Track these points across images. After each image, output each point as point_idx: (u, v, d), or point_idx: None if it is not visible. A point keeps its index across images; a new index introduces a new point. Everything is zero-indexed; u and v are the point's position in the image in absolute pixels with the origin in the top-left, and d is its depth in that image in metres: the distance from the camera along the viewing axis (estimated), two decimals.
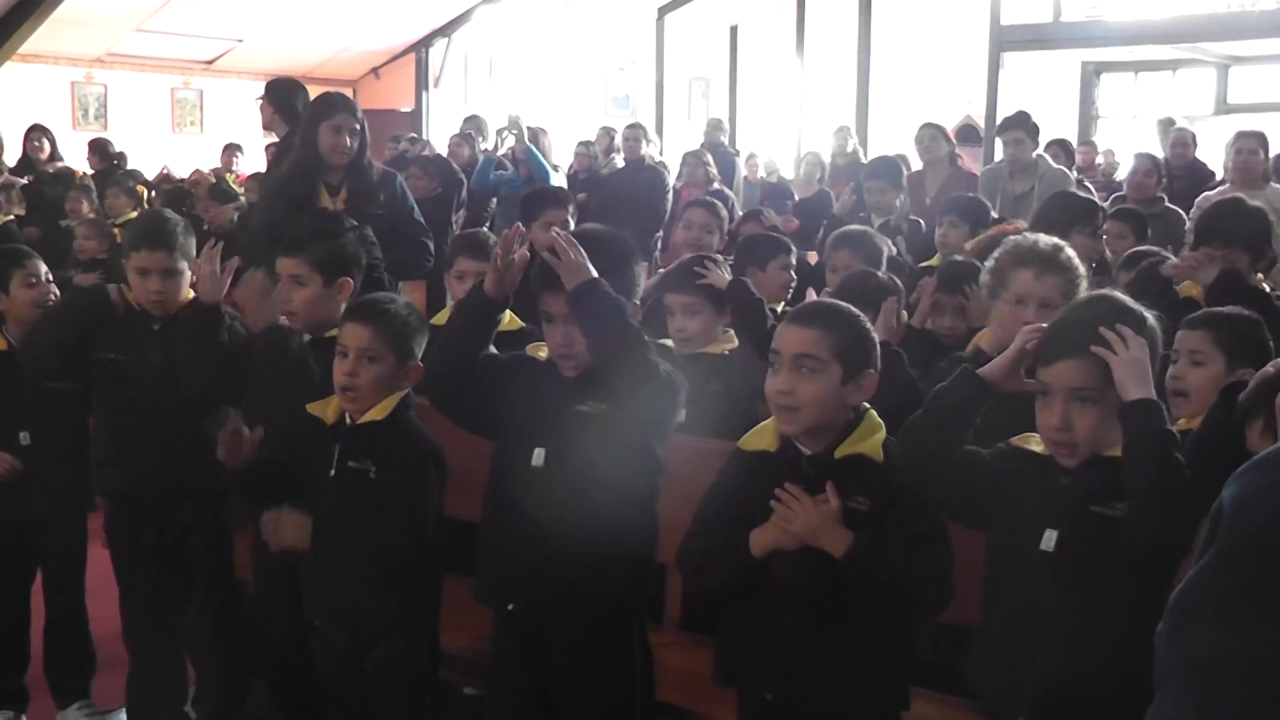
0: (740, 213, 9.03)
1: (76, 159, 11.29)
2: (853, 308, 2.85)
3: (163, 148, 14.43)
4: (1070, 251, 3.59)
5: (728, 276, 4.06)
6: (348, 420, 3.36)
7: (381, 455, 3.30)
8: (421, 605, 3.42)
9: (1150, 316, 2.64)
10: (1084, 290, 3.60)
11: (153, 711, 4.18)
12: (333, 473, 3.33)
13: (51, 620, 4.40)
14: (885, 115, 15.58)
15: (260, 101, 6.26)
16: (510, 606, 3.15)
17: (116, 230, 8.01)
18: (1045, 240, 3.61)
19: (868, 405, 2.80)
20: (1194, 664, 1.37)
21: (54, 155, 10.70)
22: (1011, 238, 3.78)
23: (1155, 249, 5.15)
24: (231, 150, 11.96)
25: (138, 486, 4.05)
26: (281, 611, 3.68)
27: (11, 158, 10.90)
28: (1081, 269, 3.62)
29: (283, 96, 6.19)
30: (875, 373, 2.77)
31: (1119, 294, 2.75)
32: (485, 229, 9.50)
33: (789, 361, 2.71)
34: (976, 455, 2.69)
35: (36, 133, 10.79)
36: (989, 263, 3.61)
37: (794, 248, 4.90)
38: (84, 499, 4.36)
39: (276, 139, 6.40)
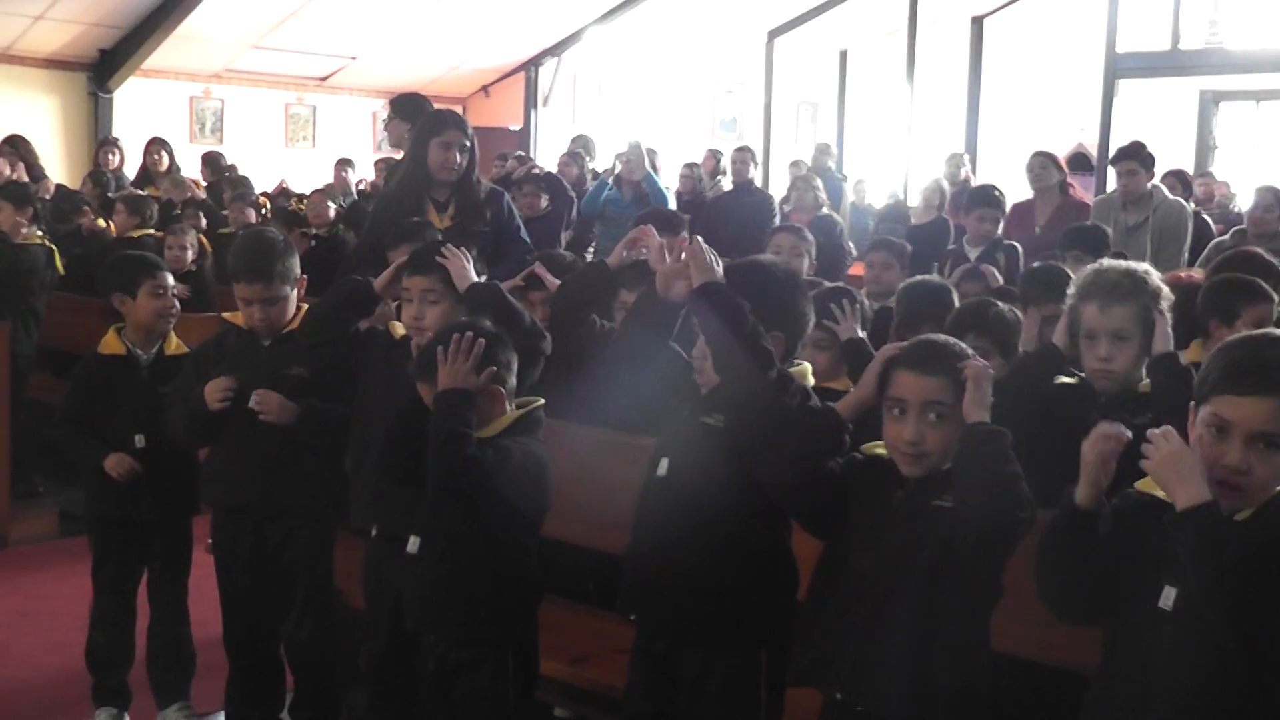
0: (850, 241, 8.96)
1: (193, 171, 11.59)
2: (965, 347, 2.77)
3: (276, 162, 14.73)
4: (1150, 274, 3.43)
5: (857, 328, 4.03)
6: None
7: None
8: (515, 620, 3.32)
9: None
10: (1166, 309, 3.45)
11: (249, 717, 4.21)
12: None
13: (155, 620, 4.46)
14: (996, 142, 15.37)
15: (390, 119, 6.26)
16: (631, 616, 3.12)
17: (204, 240, 8.09)
18: (1115, 267, 3.47)
19: None
20: None
21: (171, 167, 10.95)
22: (1089, 267, 3.63)
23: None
24: (343, 164, 12.14)
25: (242, 500, 4.08)
26: (385, 621, 3.68)
27: (131, 169, 11.21)
28: (1161, 288, 3.42)
29: (415, 113, 6.18)
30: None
31: None
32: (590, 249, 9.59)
33: (916, 409, 2.67)
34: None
35: (156, 145, 11.06)
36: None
37: None
38: (191, 503, 4.43)
39: (395, 155, 6.42)
